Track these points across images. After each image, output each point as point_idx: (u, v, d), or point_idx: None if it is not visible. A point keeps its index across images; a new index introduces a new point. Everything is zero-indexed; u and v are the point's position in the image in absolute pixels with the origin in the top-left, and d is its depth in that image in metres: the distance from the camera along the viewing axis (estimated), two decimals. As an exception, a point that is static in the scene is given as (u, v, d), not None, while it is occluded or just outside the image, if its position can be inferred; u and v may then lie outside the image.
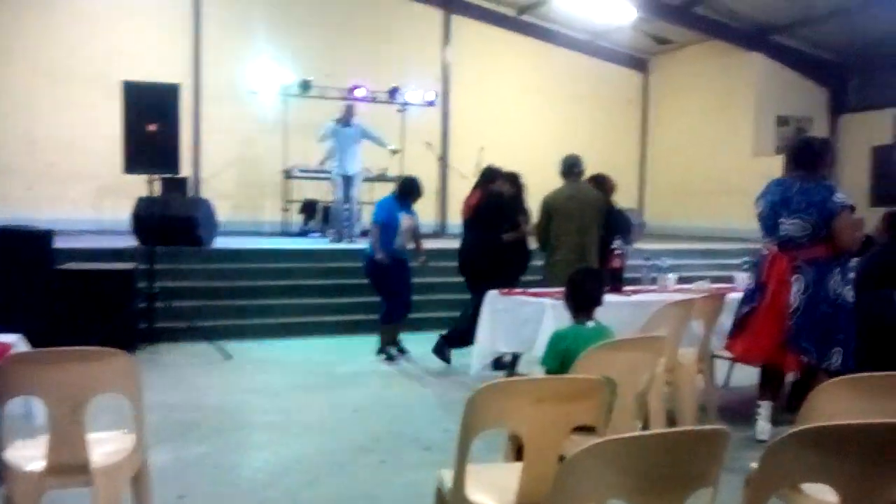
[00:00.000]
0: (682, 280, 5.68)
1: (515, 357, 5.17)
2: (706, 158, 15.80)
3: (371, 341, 7.14)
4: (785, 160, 4.60)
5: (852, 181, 12.18)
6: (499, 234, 6.42)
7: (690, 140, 16.31)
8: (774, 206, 4.47)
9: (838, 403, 2.37)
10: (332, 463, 4.20)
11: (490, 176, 6.76)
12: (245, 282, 8.52)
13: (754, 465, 2.66)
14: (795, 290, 4.41)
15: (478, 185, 6.85)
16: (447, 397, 5.59)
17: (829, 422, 1.94)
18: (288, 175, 12.76)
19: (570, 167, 5.95)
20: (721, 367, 5.58)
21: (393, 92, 13.63)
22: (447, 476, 2.62)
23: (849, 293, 4.44)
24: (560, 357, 3.24)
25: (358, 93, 13.22)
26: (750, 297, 4.62)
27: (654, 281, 5.56)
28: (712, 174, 15.40)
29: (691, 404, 4.46)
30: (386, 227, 6.78)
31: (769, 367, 4.64)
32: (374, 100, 13.50)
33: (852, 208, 4.44)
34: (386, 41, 14.73)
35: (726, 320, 4.83)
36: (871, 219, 6.12)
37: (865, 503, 1.89)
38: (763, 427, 4.48)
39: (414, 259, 7.10)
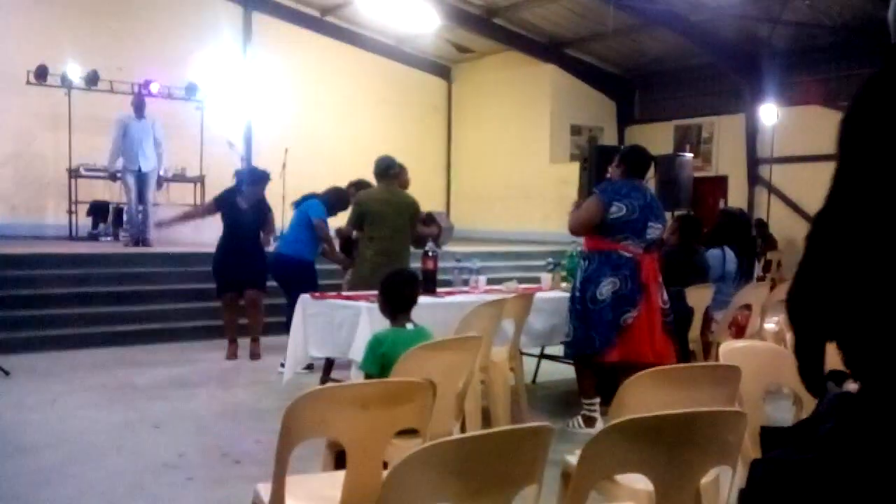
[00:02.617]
0: (490, 281, 5.83)
1: (330, 362, 5.06)
2: (507, 164, 16.47)
3: (172, 349, 6.74)
4: (627, 167, 4.75)
5: (638, 187, 13.14)
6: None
7: (492, 146, 16.93)
8: (643, 210, 4.59)
9: (646, 395, 2.50)
10: (131, 485, 3.87)
11: (361, 186, 6.61)
12: (26, 290, 7.76)
13: (570, 457, 2.77)
14: (665, 289, 4.76)
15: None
16: (258, 407, 5.37)
17: (640, 414, 2.03)
18: (74, 174, 11.78)
19: (386, 168, 5.93)
20: (528, 364, 5.78)
21: (191, 88, 13.01)
22: (264, 490, 2.48)
23: None
24: (380, 361, 3.19)
25: (152, 88, 12.47)
26: (630, 301, 4.57)
27: (465, 282, 5.66)
28: (512, 180, 16.08)
29: (505, 402, 4.57)
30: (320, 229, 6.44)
31: (593, 365, 4.76)
32: (170, 96, 12.80)
33: None
34: (184, 35, 14.05)
35: (534, 319, 5.00)
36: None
37: (675, 488, 1.99)
38: (601, 423, 4.59)
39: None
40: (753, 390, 2.78)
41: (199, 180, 12.57)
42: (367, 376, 3.23)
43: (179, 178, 12.17)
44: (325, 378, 5.02)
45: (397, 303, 3.43)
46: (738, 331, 5.71)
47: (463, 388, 3.37)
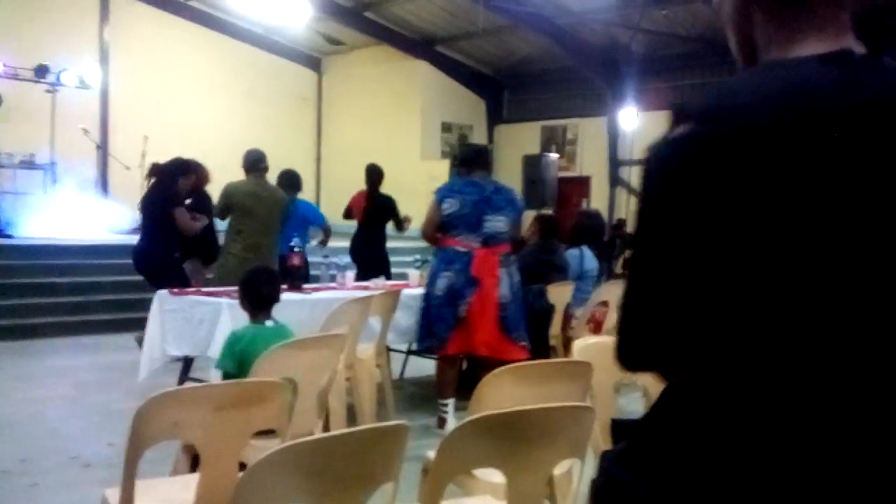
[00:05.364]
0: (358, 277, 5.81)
1: (188, 361, 4.89)
2: (377, 159, 16.22)
3: (16, 348, 6.33)
4: (459, 163, 4.87)
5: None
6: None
7: (363, 141, 16.82)
8: (477, 205, 4.64)
9: (503, 391, 2.56)
10: (-33, 493, 3.63)
11: (375, 177, 7.08)
12: None
13: (431, 453, 2.80)
14: (507, 284, 4.69)
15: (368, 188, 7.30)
16: (111, 408, 5.11)
17: (496, 410, 2.09)
18: None
19: (256, 162, 5.81)
20: (396, 360, 5.80)
21: (41, 70, 12.18)
22: (112, 494, 2.38)
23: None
24: (237, 359, 3.12)
25: (-6, 68, 11.58)
26: (460, 294, 4.59)
27: (333, 278, 5.62)
28: (384, 175, 16.03)
29: (371, 399, 4.57)
30: None
31: (447, 362, 4.79)
32: (16, 77, 11.95)
33: None
34: (32, 13, 13.16)
35: (401, 316, 5.02)
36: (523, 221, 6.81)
37: (528, 481, 2.06)
38: (452, 423, 4.60)
39: None
40: (605, 384, 2.90)
41: (50, 168, 11.83)
42: (225, 374, 3.16)
43: (27, 164, 11.40)
44: (184, 378, 4.85)
45: (256, 301, 3.37)
46: (597, 326, 5.94)
47: (326, 387, 3.35)
